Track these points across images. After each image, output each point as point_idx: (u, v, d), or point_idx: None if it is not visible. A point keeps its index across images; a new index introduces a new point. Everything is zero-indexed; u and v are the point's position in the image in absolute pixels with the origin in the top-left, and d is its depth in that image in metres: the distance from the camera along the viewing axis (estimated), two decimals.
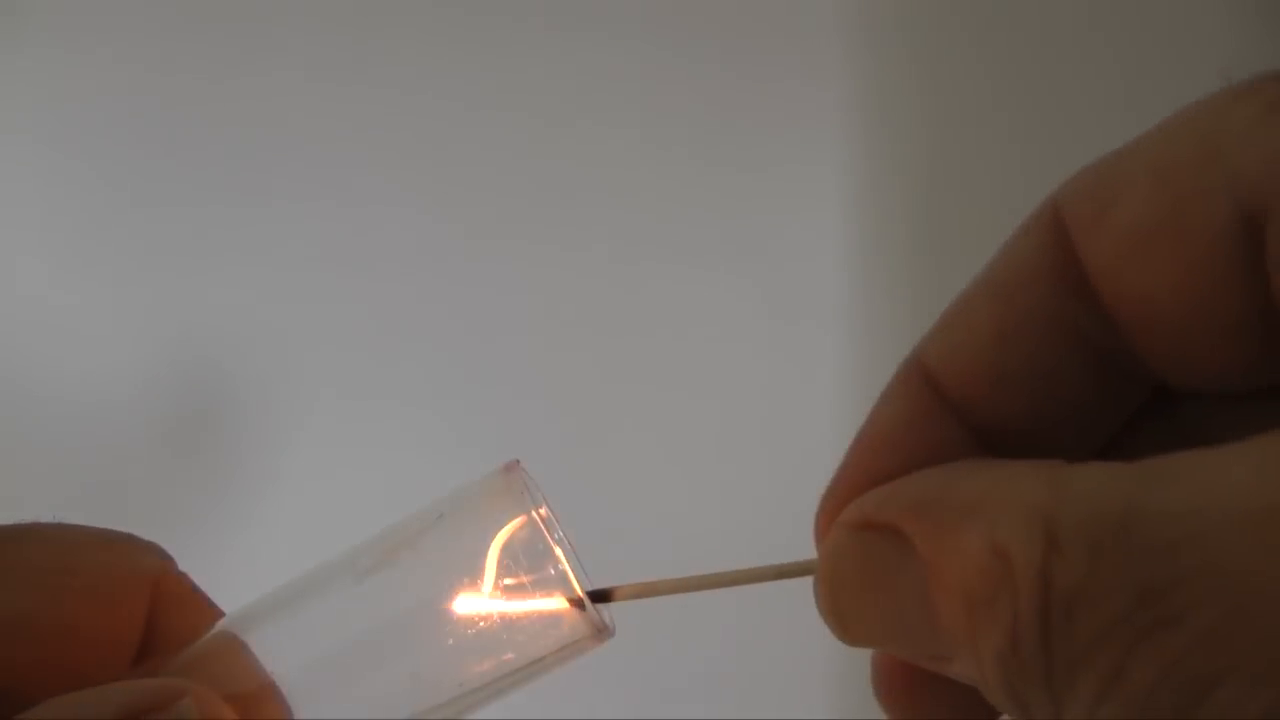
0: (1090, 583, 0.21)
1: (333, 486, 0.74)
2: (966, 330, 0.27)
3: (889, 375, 0.28)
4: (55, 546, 0.32)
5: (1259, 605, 0.20)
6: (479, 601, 0.29)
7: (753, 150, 0.75)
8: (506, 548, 0.29)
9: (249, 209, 0.76)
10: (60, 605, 0.31)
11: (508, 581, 0.29)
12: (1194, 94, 0.25)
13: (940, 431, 0.27)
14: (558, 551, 0.29)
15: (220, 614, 0.32)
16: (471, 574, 0.29)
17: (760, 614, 0.67)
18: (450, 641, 0.29)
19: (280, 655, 0.30)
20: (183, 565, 0.33)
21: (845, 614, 0.26)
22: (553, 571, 0.29)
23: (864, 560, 0.26)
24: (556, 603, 0.29)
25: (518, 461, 0.30)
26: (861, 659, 0.28)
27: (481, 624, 0.29)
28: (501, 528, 0.29)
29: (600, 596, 0.29)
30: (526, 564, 0.29)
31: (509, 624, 0.29)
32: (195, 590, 0.33)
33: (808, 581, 0.27)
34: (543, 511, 0.30)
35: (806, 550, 0.28)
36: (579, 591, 0.29)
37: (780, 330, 0.75)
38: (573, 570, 0.29)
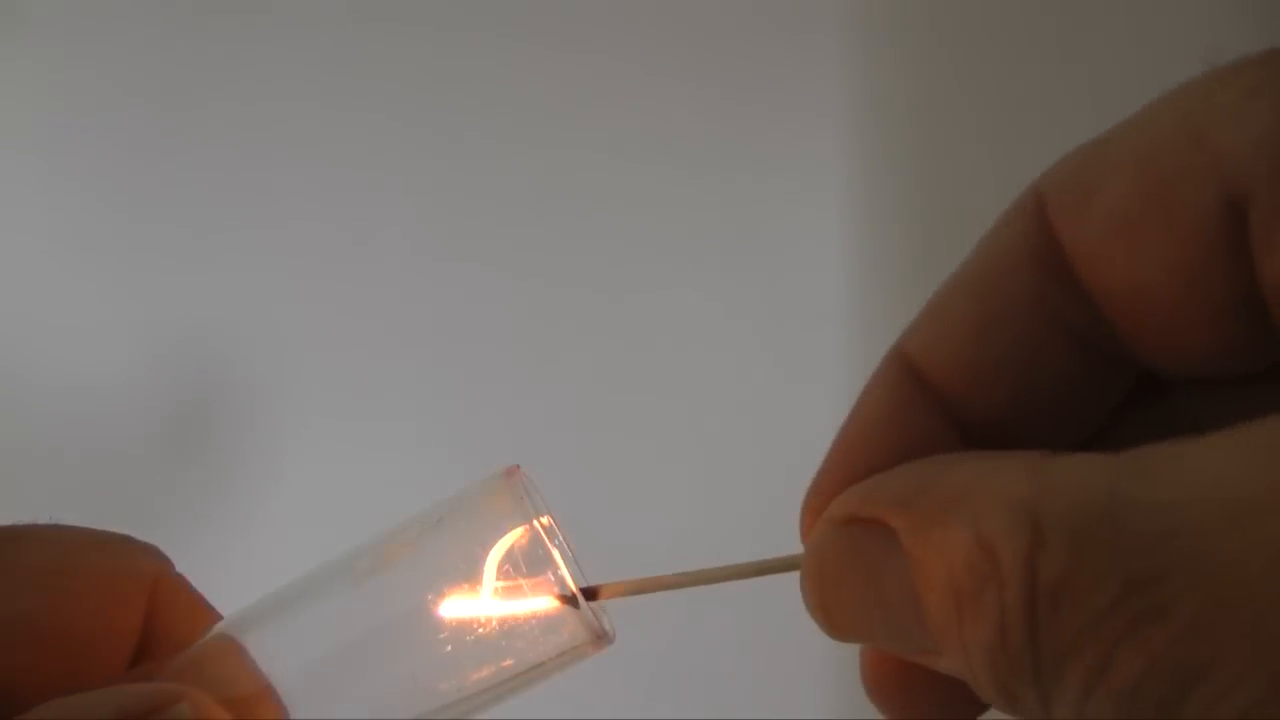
0: (1075, 575, 0.21)
1: (331, 489, 0.73)
2: (948, 321, 0.27)
3: None
4: (52, 548, 0.32)
5: (1243, 597, 0.20)
6: (477, 606, 0.29)
7: (752, 152, 0.75)
8: (506, 553, 0.29)
9: (249, 210, 0.76)
10: (57, 607, 0.31)
11: (506, 586, 0.29)
12: None
13: (924, 423, 0.27)
14: (556, 556, 0.29)
15: (218, 616, 0.32)
16: (470, 578, 0.29)
17: (759, 615, 0.67)
18: (448, 646, 0.29)
19: (278, 658, 0.30)
20: (180, 567, 0.33)
21: (832, 609, 0.26)
22: (551, 576, 0.29)
23: (850, 555, 0.25)
24: (551, 606, 0.29)
25: (518, 466, 0.30)
26: (858, 657, 0.28)
27: (480, 629, 0.29)
28: (501, 532, 0.29)
29: (586, 595, 0.29)
30: (525, 568, 0.29)
31: (508, 629, 0.29)
32: (193, 592, 0.33)
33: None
34: (543, 517, 0.29)
35: None
36: (578, 596, 0.29)
37: (780, 332, 0.74)
38: (571, 575, 0.29)
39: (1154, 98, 0.25)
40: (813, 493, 0.27)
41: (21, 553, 0.31)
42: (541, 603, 0.29)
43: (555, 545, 0.29)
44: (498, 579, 0.29)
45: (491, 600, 0.29)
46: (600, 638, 0.29)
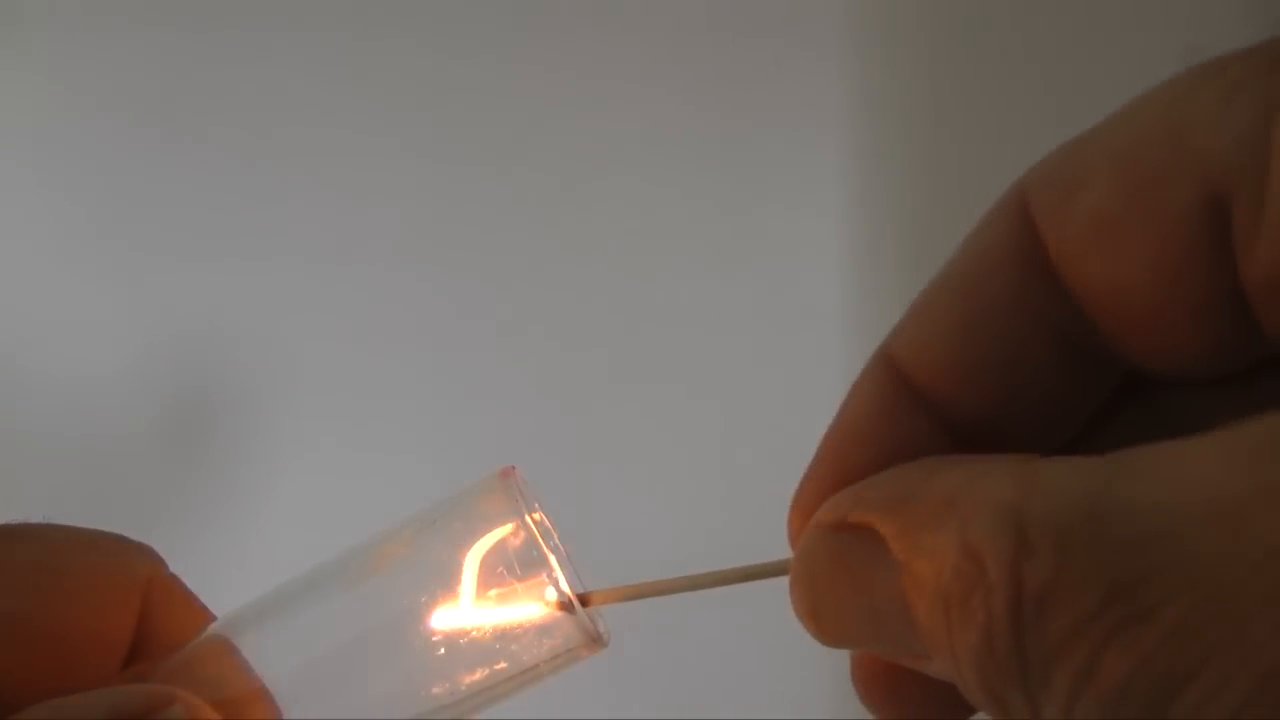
0: (1060, 580, 0.21)
1: (326, 490, 0.73)
2: (933, 322, 0.27)
3: None
4: (45, 547, 0.31)
5: (1227, 600, 0.20)
6: (470, 608, 0.29)
7: (751, 152, 0.75)
8: (501, 555, 0.29)
9: (249, 210, 0.76)
10: (49, 607, 0.30)
11: (501, 589, 0.29)
12: None
13: (911, 424, 0.27)
14: (551, 559, 0.29)
15: (211, 617, 0.32)
16: (464, 581, 0.29)
17: (753, 614, 0.67)
18: (442, 649, 0.29)
19: (271, 659, 0.30)
20: (175, 567, 0.33)
21: (821, 615, 0.26)
22: (546, 579, 0.29)
23: (839, 560, 0.25)
24: (545, 610, 0.29)
25: (513, 467, 0.30)
26: (848, 659, 0.28)
27: (474, 631, 0.29)
28: (496, 534, 0.29)
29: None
30: (520, 571, 0.29)
31: (502, 632, 0.29)
32: (186, 593, 0.33)
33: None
34: (537, 517, 0.29)
35: None
36: (571, 599, 0.29)
37: (779, 331, 0.74)
38: (567, 577, 0.29)
39: (1135, 95, 0.25)
40: (800, 496, 0.27)
41: (14, 552, 0.31)
42: (536, 607, 0.29)
43: (550, 546, 0.29)
44: (493, 582, 0.29)
45: (486, 603, 0.29)
46: (595, 640, 0.29)
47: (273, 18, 0.76)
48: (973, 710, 0.26)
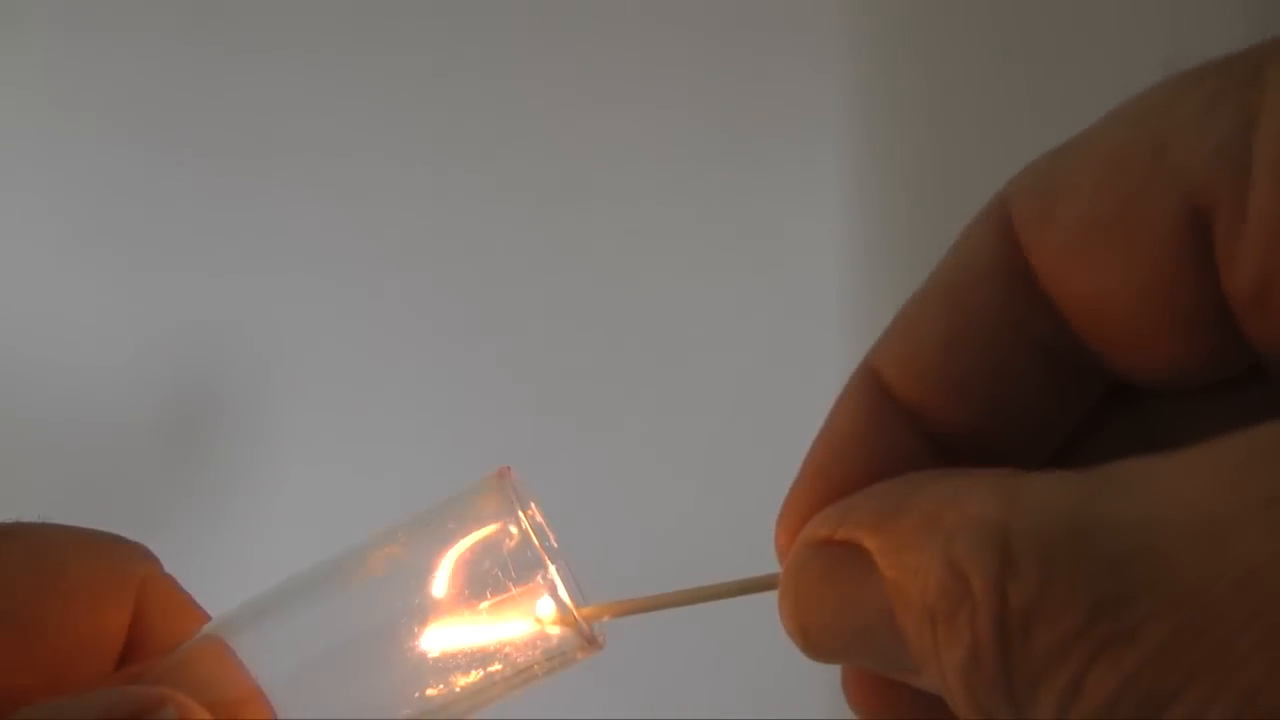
0: (1044, 598, 0.21)
1: (324, 489, 0.73)
2: (917, 335, 0.27)
3: None
4: (40, 547, 0.31)
5: (1210, 619, 0.20)
6: (466, 610, 0.29)
7: (752, 149, 0.75)
8: (496, 556, 0.29)
9: (249, 209, 0.76)
10: (43, 606, 0.30)
11: (496, 589, 0.29)
12: None
13: (896, 438, 0.27)
14: (546, 560, 0.29)
15: (206, 618, 0.32)
16: (459, 582, 0.29)
17: (750, 616, 0.67)
18: (437, 650, 0.29)
19: (266, 660, 0.30)
20: (172, 566, 0.33)
21: (810, 631, 0.26)
22: (541, 580, 0.29)
23: (826, 577, 0.25)
24: (540, 612, 0.29)
25: (509, 468, 0.30)
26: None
27: (470, 632, 0.29)
28: (493, 536, 0.29)
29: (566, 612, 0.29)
30: (515, 571, 0.29)
31: (497, 633, 0.29)
32: (181, 593, 0.33)
33: None
34: (534, 518, 0.29)
35: None
36: (568, 602, 0.29)
37: (779, 331, 0.74)
38: (563, 578, 0.29)
39: (1115, 105, 0.25)
40: (786, 511, 0.27)
41: (8, 551, 0.31)
42: (529, 620, 0.29)
43: (545, 548, 0.29)
44: (488, 582, 0.29)
45: (481, 607, 0.29)
46: (590, 643, 0.29)
47: (273, 18, 0.76)
48: None
